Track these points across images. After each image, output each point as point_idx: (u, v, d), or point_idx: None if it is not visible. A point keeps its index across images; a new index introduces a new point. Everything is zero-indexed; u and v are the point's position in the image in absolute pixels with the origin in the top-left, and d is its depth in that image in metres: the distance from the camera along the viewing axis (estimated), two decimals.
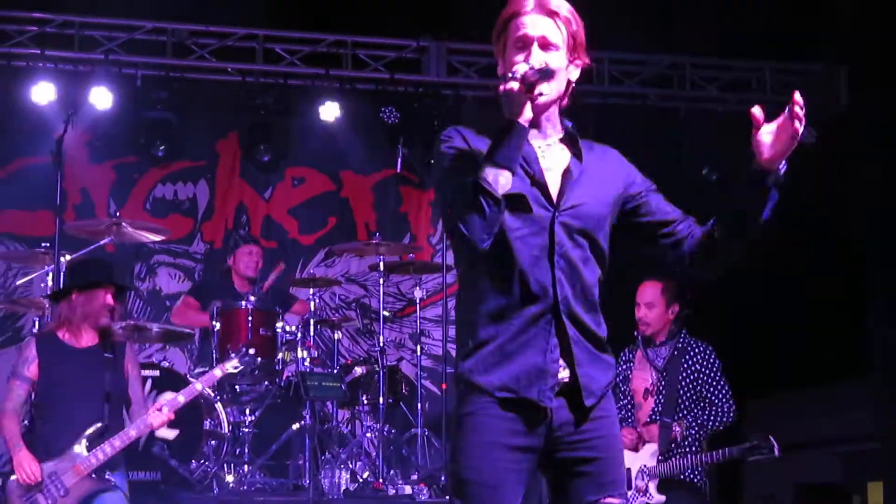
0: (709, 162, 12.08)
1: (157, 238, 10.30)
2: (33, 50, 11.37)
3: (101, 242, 9.67)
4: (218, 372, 7.71)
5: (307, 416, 9.52)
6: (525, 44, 3.97)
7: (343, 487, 9.41)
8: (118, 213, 10.05)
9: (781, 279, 11.79)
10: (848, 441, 11.92)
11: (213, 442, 9.46)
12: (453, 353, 12.29)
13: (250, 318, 9.83)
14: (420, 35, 12.04)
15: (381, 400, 9.89)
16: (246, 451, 9.66)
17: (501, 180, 3.77)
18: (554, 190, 3.97)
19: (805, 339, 11.60)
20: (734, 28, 11.48)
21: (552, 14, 3.99)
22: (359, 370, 10.28)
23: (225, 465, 9.51)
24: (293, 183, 12.64)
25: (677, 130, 12.26)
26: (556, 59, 3.97)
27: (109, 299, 7.53)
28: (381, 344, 10.19)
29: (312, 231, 12.53)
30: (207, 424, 9.37)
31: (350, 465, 9.67)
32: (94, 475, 7.24)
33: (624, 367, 8.11)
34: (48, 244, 9.66)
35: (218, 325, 9.83)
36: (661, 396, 7.91)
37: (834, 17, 11.07)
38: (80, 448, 7.22)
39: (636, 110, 12.34)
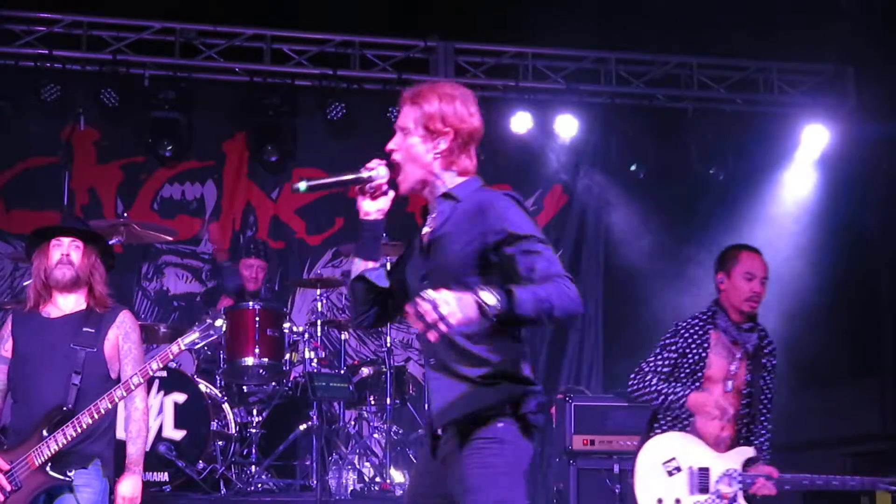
0: (716, 162, 12.06)
1: (165, 238, 10.30)
2: (41, 50, 11.38)
3: (110, 243, 9.66)
4: (175, 348, 6.41)
5: (314, 417, 9.53)
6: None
7: (350, 488, 9.43)
8: (126, 214, 10.08)
9: (792, 278, 11.78)
10: (857, 441, 11.89)
11: (220, 442, 9.48)
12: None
13: (257, 319, 9.83)
14: (428, 35, 12.03)
15: (388, 400, 9.91)
16: (253, 451, 9.67)
17: (353, 266, 4.59)
18: (423, 257, 4.54)
19: (815, 339, 11.57)
20: (742, 28, 11.47)
21: (404, 101, 4.57)
22: (366, 371, 10.29)
23: (232, 466, 9.53)
24: None
25: (685, 130, 12.25)
26: (406, 141, 4.52)
27: (66, 249, 6.55)
28: (389, 344, 10.21)
29: (319, 231, 12.50)
30: (215, 425, 9.38)
31: (357, 466, 9.69)
32: (48, 469, 6.24)
33: (696, 346, 6.98)
34: None
35: (225, 326, 9.81)
36: (750, 389, 7.01)
37: (841, 17, 11.05)
38: (39, 436, 6.26)
39: (643, 110, 12.33)
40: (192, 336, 6.47)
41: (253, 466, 9.59)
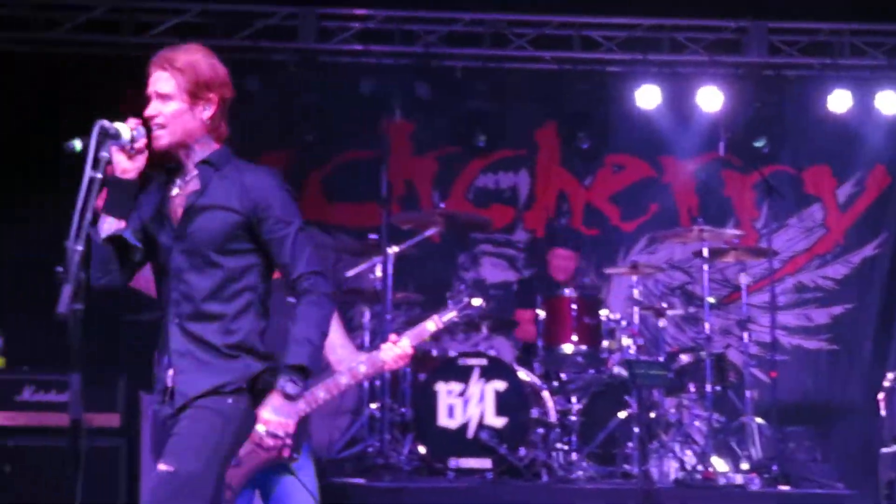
0: None
1: (480, 228, 10.42)
2: (356, 46, 11.67)
3: (427, 234, 9.88)
4: (431, 325, 6.11)
5: (633, 405, 9.47)
6: (147, 100, 4.62)
7: (672, 476, 9.33)
8: (442, 204, 10.25)
9: None
10: None
11: (540, 430, 9.51)
12: (782, 340, 12.02)
13: (574, 307, 9.89)
14: (740, 15, 11.79)
15: (708, 388, 9.75)
16: (573, 439, 9.66)
17: (105, 225, 4.52)
18: (178, 220, 4.62)
19: None
20: None
21: (160, 66, 4.59)
22: (685, 357, 10.17)
23: (553, 453, 9.54)
24: (613, 170, 12.55)
25: None
26: (168, 107, 4.56)
27: None
28: (708, 331, 10.05)
29: (633, 218, 12.40)
30: (535, 412, 9.42)
31: (678, 454, 9.57)
32: None
33: None
34: (376, 235, 9.92)
35: (543, 314, 9.92)
36: None
37: None
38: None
39: None
40: (450, 314, 6.29)
41: (574, 454, 9.59)
